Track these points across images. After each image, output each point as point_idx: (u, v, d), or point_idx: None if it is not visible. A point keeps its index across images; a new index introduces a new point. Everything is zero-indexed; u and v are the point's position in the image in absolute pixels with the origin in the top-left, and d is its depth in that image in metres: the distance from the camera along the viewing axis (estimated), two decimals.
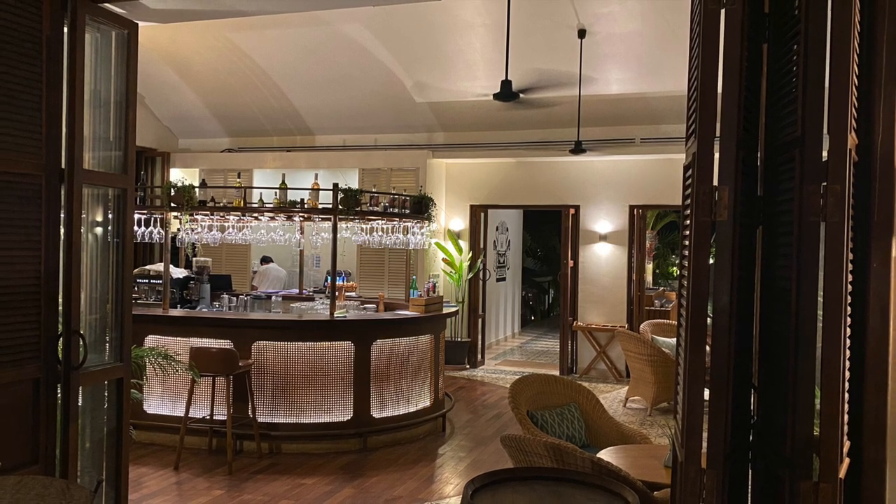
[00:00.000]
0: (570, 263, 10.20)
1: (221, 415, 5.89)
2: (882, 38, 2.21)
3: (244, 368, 5.84)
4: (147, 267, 7.68)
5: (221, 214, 7.11)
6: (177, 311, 6.70)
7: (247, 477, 5.50)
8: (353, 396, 6.22)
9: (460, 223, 10.61)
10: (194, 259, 8.18)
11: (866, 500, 2.22)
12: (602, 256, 10.10)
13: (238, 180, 8.02)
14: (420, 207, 7.54)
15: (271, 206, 6.96)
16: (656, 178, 9.65)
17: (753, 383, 2.47)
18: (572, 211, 10.17)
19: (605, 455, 4.02)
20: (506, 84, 7.76)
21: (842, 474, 1.98)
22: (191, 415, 5.81)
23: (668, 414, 7.75)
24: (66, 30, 3.16)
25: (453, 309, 7.64)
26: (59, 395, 3.18)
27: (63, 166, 3.15)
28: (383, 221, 7.39)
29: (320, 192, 7.02)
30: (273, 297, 7.95)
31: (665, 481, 3.58)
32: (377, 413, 6.35)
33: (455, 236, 10.50)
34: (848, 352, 2.13)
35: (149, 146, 10.89)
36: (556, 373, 9.83)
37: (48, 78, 3.09)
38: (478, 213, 10.68)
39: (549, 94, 8.95)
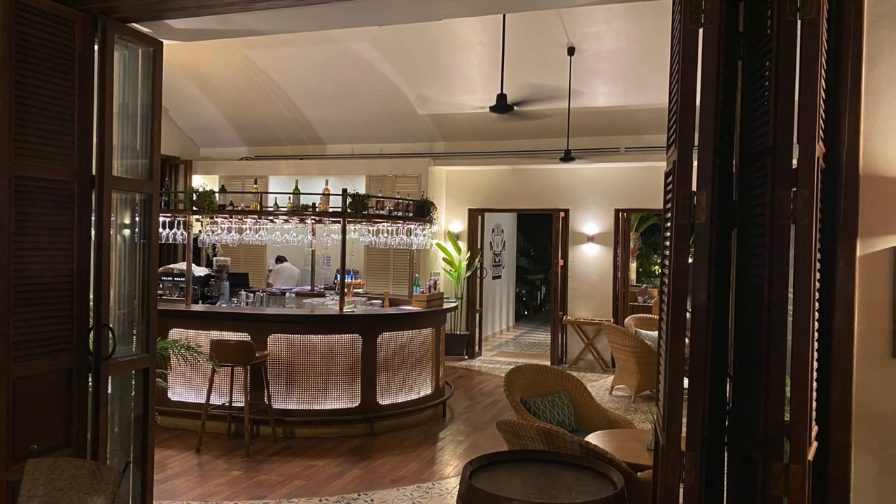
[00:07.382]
0: (561, 262, 10.19)
1: (239, 402, 5.89)
2: (847, 54, 2.22)
3: (260, 359, 5.84)
4: (171, 266, 7.67)
5: (239, 217, 7.12)
6: (198, 307, 6.69)
7: (263, 459, 5.50)
8: (360, 385, 6.21)
9: (459, 225, 10.61)
10: (214, 258, 8.17)
11: (833, 480, 2.22)
12: (590, 256, 10.09)
13: (255, 186, 8.00)
14: (422, 211, 7.53)
15: (285, 209, 6.98)
16: (639, 184, 9.64)
17: (729, 373, 2.46)
18: (562, 214, 10.17)
19: (593, 439, 4.02)
20: (501, 97, 7.76)
21: (810, 457, 1.98)
22: (211, 402, 5.81)
23: (651, 401, 7.75)
24: (96, 47, 3.15)
25: (453, 304, 7.64)
26: (90, 384, 3.18)
27: (94, 173, 3.14)
28: (388, 224, 7.38)
29: (330, 196, 7.02)
30: (287, 294, 7.93)
31: (648, 463, 3.58)
32: (383, 400, 6.35)
33: (454, 237, 10.49)
34: (816, 344, 2.14)
35: (173, 154, 10.89)
36: (548, 363, 9.83)
37: (80, 92, 3.09)
38: (475, 216, 10.68)
39: (540, 107, 8.95)
